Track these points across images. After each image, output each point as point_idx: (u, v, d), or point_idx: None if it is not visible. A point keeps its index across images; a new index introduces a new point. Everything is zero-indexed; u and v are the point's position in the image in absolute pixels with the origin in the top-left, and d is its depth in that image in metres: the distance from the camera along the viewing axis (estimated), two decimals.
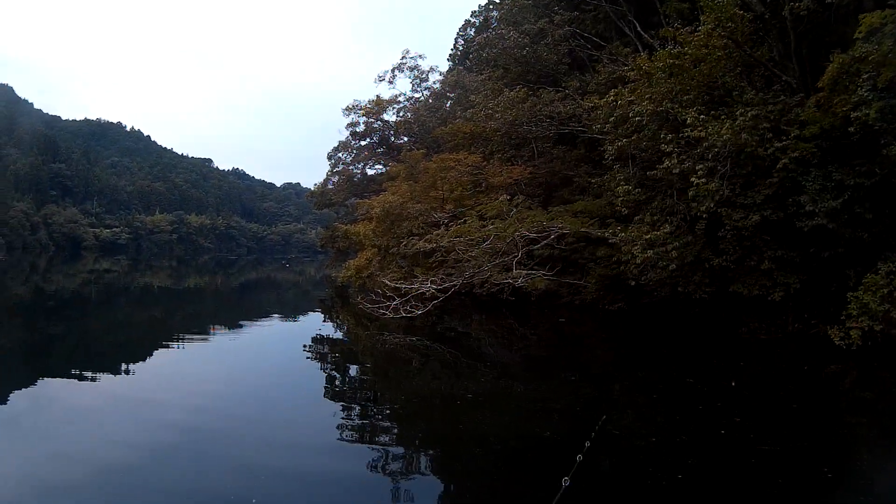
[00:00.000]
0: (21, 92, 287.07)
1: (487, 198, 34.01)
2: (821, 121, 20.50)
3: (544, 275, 27.97)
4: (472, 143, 40.38)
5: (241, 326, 32.55)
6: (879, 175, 19.60)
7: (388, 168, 57.96)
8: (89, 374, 19.46)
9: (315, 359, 23.62)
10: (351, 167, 67.17)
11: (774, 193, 21.62)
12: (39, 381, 18.78)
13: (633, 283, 25.16)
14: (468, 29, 68.82)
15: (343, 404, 15.79)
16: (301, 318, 39.03)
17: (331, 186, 68.82)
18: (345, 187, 66.78)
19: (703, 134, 21.23)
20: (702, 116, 21.83)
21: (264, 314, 40.11)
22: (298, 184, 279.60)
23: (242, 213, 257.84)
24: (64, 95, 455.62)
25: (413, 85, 63.67)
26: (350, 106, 63.34)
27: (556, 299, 30.70)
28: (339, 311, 40.27)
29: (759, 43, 24.85)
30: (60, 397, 16.72)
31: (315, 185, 70.56)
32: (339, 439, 12.99)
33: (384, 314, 25.17)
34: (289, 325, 34.69)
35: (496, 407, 15.89)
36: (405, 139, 63.52)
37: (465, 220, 30.85)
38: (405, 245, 33.83)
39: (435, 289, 26.28)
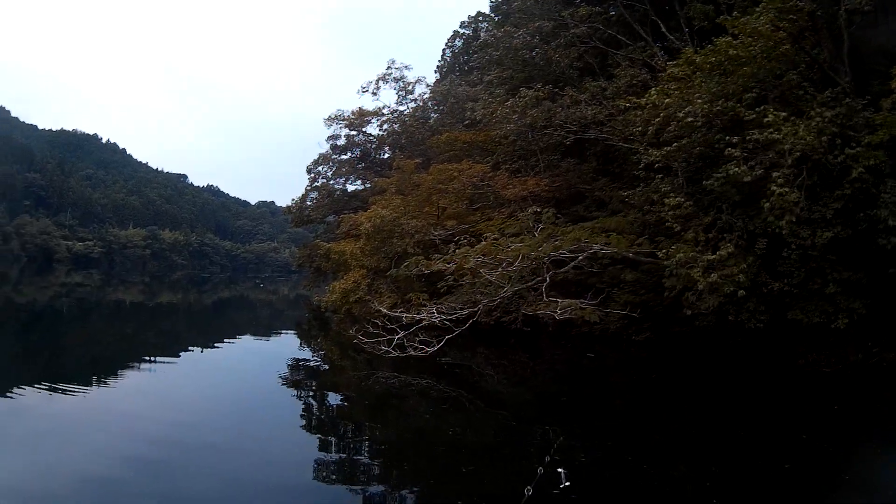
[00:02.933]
0: None
1: (498, 213, 30.42)
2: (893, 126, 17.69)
3: (588, 303, 23.19)
4: (468, 154, 36.71)
5: (213, 347, 30.96)
6: None
7: (371, 183, 54.47)
8: (58, 388, 18.72)
9: (295, 392, 21.02)
10: (332, 182, 63.07)
11: (844, 207, 18.68)
12: (5, 394, 17.77)
13: (689, 312, 21.34)
14: (457, 40, 66.75)
15: (323, 454, 13.58)
16: (276, 340, 36.32)
17: (309, 202, 64.53)
18: (324, 203, 62.67)
19: (778, 136, 17.93)
20: (783, 114, 18.50)
21: (238, 334, 37.70)
22: (273, 202, 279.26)
23: (216, 231, 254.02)
24: (41, 104, 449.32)
25: (399, 97, 59.82)
26: (332, 116, 59.48)
27: (570, 328, 26.46)
28: (319, 338, 36.54)
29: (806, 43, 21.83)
30: (24, 412, 16.21)
31: (293, 200, 65.80)
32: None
33: (386, 351, 19.91)
34: (264, 349, 31.95)
35: (504, 456, 13.48)
36: (388, 154, 59.75)
37: (472, 238, 26.57)
38: (406, 266, 28.98)
39: (446, 319, 21.99)
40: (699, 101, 20.35)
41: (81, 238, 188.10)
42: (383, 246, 33.38)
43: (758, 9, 20.56)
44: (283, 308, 69.90)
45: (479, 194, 33.25)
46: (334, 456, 13.55)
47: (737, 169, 18.86)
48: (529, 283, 23.15)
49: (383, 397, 19.71)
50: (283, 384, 21.32)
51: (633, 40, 31.40)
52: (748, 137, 19.14)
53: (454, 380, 21.68)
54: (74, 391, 18.92)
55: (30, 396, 17.73)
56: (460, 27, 66.19)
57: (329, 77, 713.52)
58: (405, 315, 22.62)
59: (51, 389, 18.55)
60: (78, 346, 30.76)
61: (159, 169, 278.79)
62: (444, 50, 67.99)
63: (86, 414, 16.18)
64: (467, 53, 63.73)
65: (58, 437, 13.95)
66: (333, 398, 20.44)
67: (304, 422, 16.45)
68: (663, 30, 29.50)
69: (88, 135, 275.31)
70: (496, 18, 61.76)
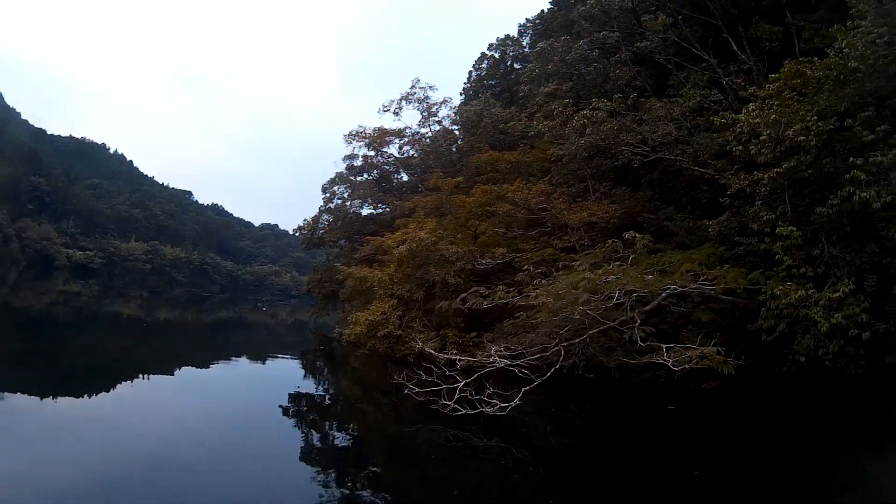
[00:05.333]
0: (10, 100, 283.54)
1: (559, 240, 27.53)
2: None
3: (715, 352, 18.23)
4: (507, 178, 33.43)
5: (211, 371, 30.60)
6: None
7: (392, 206, 51.95)
8: (48, 395, 19.27)
9: (303, 432, 19.35)
10: (347, 203, 60.19)
11: None
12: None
13: (802, 358, 18.58)
14: (484, 62, 64.76)
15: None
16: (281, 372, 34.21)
17: (322, 224, 61.49)
18: (339, 226, 59.81)
19: None
20: None
21: (235, 356, 38.05)
22: (276, 225, 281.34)
23: (218, 250, 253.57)
24: (52, 108, 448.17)
25: (422, 118, 57.25)
26: (353, 133, 56.58)
27: (632, 375, 23.19)
28: (336, 375, 33.72)
29: None
30: (13, 416, 16.50)
31: (304, 220, 62.60)
32: None
33: (454, 409, 15.96)
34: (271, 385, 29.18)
35: None
36: (405, 177, 58.44)
37: (540, 268, 23.59)
38: (463, 299, 24.37)
39: (518, 364, 18.45)
40: (810, 118, 18.01)
41: (82, 247, 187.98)
42: (417, 273, 30.46)
43: (864, 23, 18.60)
44: (280, 332, 70.35)
45: (519, 219, 30.18)
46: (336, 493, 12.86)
47: (864, 194, 16.72)
48: (613, 323, 20.01)
49: (404, 441, 17.94)
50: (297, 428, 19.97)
51: (694, 61, 29.63)
52: (871, 160, 17.08)
53: (500, 431, 18.53)
54: (65, 399, 19.54)
55: (20, 401, 18.42)
56: (488, 49, 64.63)
57: (342, 107, 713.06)
58: (459, 358, 19.24)
59: (40, 396, 19.19)
60: (72, 356, 30.82)
61: (165, 184, 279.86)
62: (470, 72, 66.22)
63: (74, 422, 16.48)
64: (494, 77, 62.50)
65: (40, 442, 14.41)
66: (343, 438, 18.91)
67: (307, 458, 15.68)
68: (734, 48, 27.72)
69: (96, 144, 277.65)
70: (524, 41, 60.42)
